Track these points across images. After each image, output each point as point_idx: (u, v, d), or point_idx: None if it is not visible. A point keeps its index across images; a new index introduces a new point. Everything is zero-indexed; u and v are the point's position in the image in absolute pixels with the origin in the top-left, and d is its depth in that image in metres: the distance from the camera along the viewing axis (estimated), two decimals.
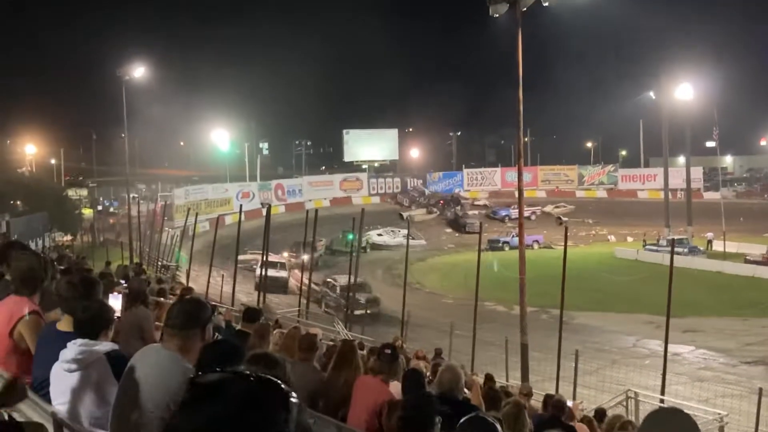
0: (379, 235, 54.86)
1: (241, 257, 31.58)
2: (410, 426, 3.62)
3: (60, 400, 3.46)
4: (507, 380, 19.07)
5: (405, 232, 37.24)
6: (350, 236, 40.00)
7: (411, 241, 31.41)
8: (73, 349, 3.49)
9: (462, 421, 3.07)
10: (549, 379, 20.73)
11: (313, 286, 29.60)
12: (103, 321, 3.74)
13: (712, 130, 66.48)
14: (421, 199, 74.28)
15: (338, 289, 32.04)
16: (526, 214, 59.36)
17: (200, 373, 1.42)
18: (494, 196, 77.37)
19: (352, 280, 26.37)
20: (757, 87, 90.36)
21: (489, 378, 8.29)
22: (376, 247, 52.37)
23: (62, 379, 3.44)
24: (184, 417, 1.33)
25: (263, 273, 27.22)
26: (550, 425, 6.61)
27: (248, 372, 1.44)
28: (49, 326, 3.99)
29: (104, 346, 3.59)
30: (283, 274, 35.98)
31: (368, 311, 29.74)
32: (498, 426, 3.08)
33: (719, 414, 17.76)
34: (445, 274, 44.25)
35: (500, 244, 51.33)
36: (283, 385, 1.36)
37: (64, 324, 3.86)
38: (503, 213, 66.06)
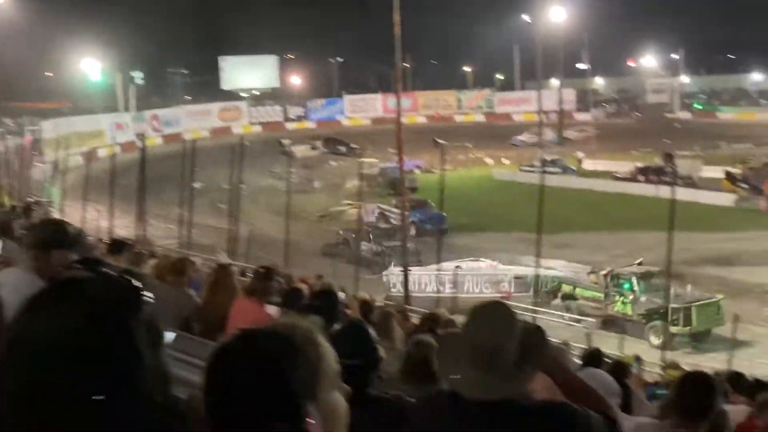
0: None
1: None
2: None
3: None
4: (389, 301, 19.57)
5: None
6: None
7: None
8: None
9: (338, 328, 3.15)
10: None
11: None
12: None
13: (584, 52, 68.56)
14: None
15: None
16: None
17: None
18: (377, 122, 77.46)
19: None
20: (626, 9, 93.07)
21: (365, 301, 8.58)
22: None
23: None
24: (27, 320, 1.29)
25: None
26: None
27: (108, 272, 1.47)
28: None
29: None
30: None
31: None
32: (371, 330, 3.17)
33: (587, 322, 18.96)
34: (332, 201, 44.13)
35: (386, 170, 51.58)
36: (138, 286, 1.38)
37: None
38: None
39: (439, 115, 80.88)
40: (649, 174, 41.43)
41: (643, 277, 21.92)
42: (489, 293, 23.31)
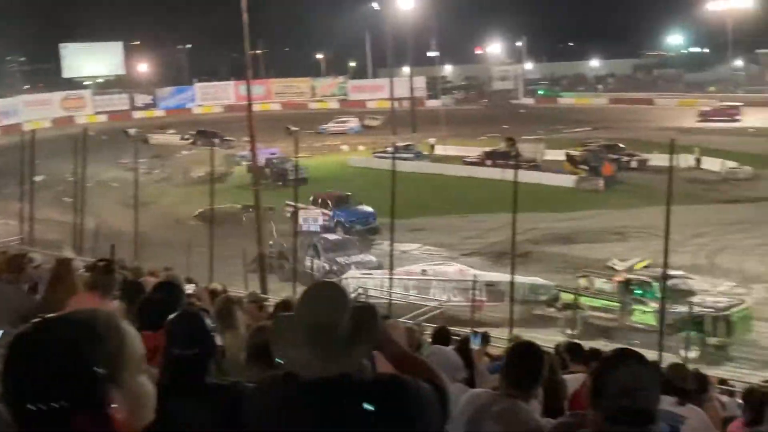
0: None
1: None
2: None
3: None
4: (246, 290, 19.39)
5: None
6: None
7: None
8: None
9: (170, 317, 3.11)
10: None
11: None
12: None
13: (433, 40, 70.11)
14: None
15: None
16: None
17: None
18: (229, 110, 76.21)
19: None
20: None
21: (214, 291, 8.50)
22: None
23: None
24: None
25: None
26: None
27: None
28: None
29: None
30: None
31: None
32: (207, 319, 3.16)
33: (438, 301, 19.52)
34: (187, 193, 43.00)
35: (236, 159, 50.95)
36: None
37: None
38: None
39: (292, 102, 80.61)
40: (495, 158, 42.87)
41: (661, 281, 18.74)
42: (458, 301, 20.79)
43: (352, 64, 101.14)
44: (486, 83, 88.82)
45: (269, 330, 2.57)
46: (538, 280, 21.38)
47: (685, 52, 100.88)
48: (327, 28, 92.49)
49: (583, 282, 20.42)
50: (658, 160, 34.80)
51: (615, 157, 41.98)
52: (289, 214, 31.38)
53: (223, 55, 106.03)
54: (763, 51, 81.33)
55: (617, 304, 18.91)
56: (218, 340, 2.98)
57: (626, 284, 19.13)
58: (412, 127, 58.27)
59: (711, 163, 39.64)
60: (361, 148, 55.86)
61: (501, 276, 21.44)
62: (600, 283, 19.97)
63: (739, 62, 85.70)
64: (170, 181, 46.04)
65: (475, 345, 5.98)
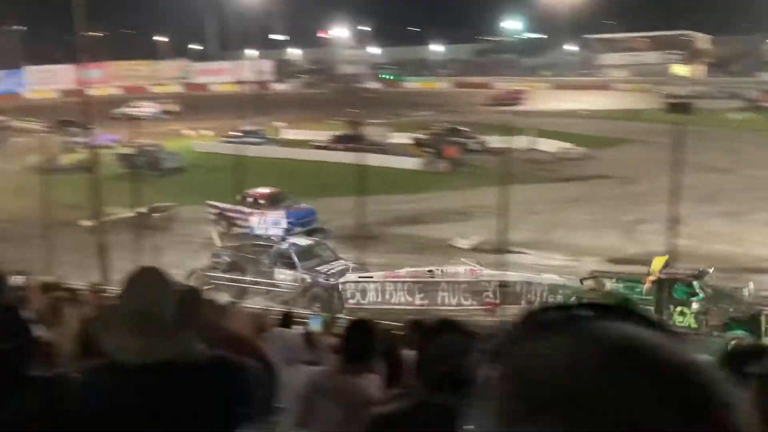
0: None
1: None
2: None
3: None
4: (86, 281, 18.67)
5: None
6: None
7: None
8: None
9: None
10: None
11: None
12: None
13: (278, 23, 69.55)
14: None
15: None
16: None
17: None
18: (68, 95, 72.40)
19: None
20: None
21: (47, 284, 8.19)
22: None
23: None
24: None
25: None
26: None
27: None
28: None
29: None
30: None
31: None
32: (23, 310, 3.06)
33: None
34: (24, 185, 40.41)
35: (71, 145, 48.56)
36: None
37: None
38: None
39: (135, 86, 77.79)
40: (344, 142, 43.10)
41: (698, 278, 17.34)
42: (469, 305, 19.00)
43: (198, 47, 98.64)
44: (333, 67, 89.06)
45: (95, 319, 2.54)
46: (558, 278, 19.49)
47: (523, 37, 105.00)
48: (169, 10, 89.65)
49: (589, 284, 18.27)
50: (498, 142, 36.09)
51: (458, 139, 43.30)
52: (213, 217, 28.53)
53: (59, 37, 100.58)
54: (593, 36, 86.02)
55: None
56: (37, 332, 2.91)
57: (660, 284, 17.26)
58: (257, 110, 57.59)
59: (546, 144, 41.64)
60: (206, 132, 54.67)
61: (516, 275, 19.74)
62: (610, 284, 18.06)
63: (573, 47, 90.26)
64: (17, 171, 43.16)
65: (314, 327, 6.09)
